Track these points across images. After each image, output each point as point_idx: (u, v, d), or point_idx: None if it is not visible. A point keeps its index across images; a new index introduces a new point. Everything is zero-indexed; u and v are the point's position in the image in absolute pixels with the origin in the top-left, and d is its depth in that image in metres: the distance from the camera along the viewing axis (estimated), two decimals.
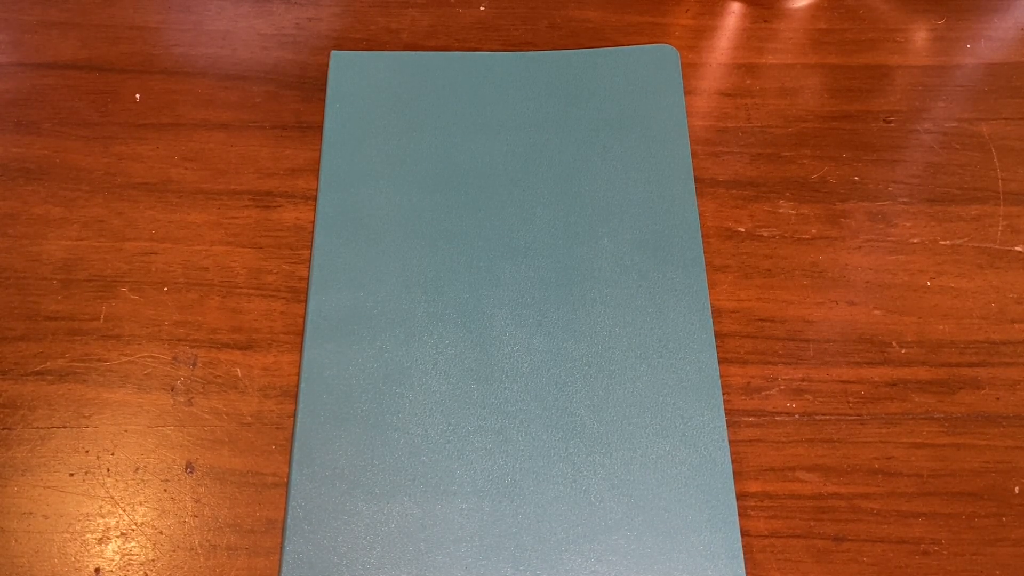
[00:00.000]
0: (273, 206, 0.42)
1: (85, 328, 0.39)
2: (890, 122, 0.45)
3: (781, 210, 0.42)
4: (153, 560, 0.34)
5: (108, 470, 0.36)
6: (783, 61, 0.46)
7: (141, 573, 0.34)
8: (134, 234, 0.41)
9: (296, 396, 0.37)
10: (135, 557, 0.34)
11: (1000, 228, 0.42)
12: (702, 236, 0.41)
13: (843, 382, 0.38)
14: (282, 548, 0.34)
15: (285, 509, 0.35)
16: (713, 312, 0.39)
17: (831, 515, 0.35)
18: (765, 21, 0.48)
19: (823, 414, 0.37)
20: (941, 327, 0.39)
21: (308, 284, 0.40)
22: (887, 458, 0.37)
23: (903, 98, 0.45)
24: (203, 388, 0.38)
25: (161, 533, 0.35)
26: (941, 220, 0.42)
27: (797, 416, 0.37)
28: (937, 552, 0.35)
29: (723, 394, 0.37)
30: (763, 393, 0.38)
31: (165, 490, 0.36)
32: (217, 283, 0.40)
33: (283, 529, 0.35)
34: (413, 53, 0.46)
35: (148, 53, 0.46)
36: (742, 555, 0.34)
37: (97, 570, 0.34)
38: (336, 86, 0.45)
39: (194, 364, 0.38)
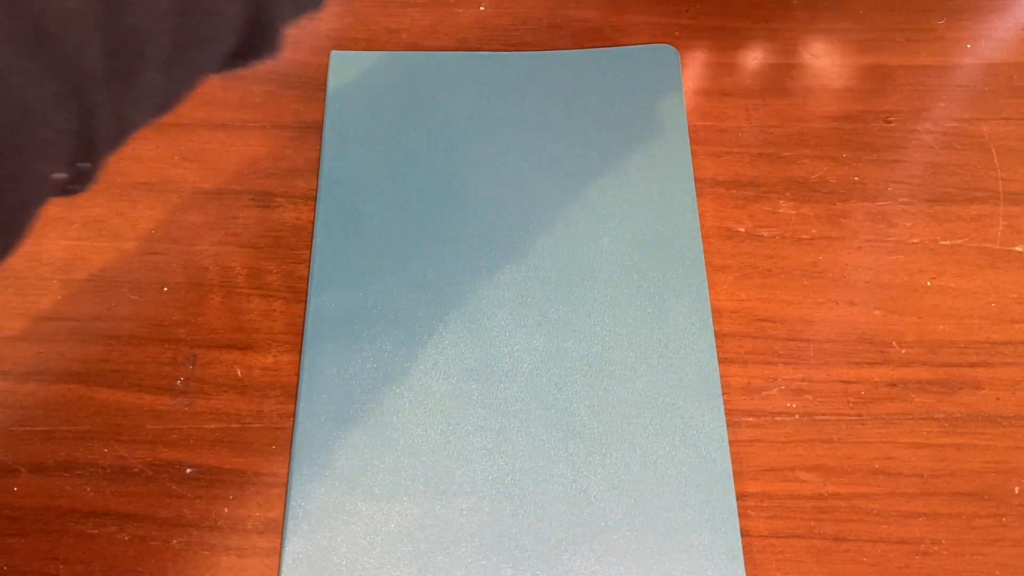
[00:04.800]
0: (273, 206, 0.42)
1: (85, 328, 0.39)
2: (890, 122, 0.45)
3: (781, 210, 0.42)
4: (152, 560, 0.34)
5: (108, 470, 0.36)
6: (783, 61, 0.46)
7: (141, 573, 0.34)
8: (134, 234, 0.41)
9: (296, 396, 0.37)
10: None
11: (1000, 228, 0.42)
12: (702, 236, 0.41)
13: (843, 382, 0.38)
14: (282, 548, 0.34)
15: (285, 509, 0.35)
16: (713, 312, 0.39)
17: (831, 515, 0.35)
18: (765, 21, 0.48)
19: (823, 414, 0.37)
20: (941, 327, 0.39)
21: (308, 284, 0.40)
22: (887, 458, 0.37)
23: (903, 98, 0.45)
24: (203, 388, 0.38)
25: (160, 533, 0.35)
26: (941, 220, 0.42)
27: (797, 416, 0.37)
28: (937, 552, 0.35)
29: (723, 394, 0.37)
30: (763, 393, 0.38)
31: (165, 490, 0.36)
32: (217, 283, 0.40)
33: (283, 529, 0.35)
34: (413, 53, 0.46)
35: None
36: (742, 555, 0.34)
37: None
38: (336, 86, 0.45)
39: (194, 364, 0.38)
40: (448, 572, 0.34)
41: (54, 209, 0.42)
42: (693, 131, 0.44)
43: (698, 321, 0.39)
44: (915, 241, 0.41)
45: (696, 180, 0.43)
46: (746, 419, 0.37)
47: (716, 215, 0.42)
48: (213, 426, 0.37)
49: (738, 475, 0.36)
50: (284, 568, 0.34)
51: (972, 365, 0.38)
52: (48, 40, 0.19)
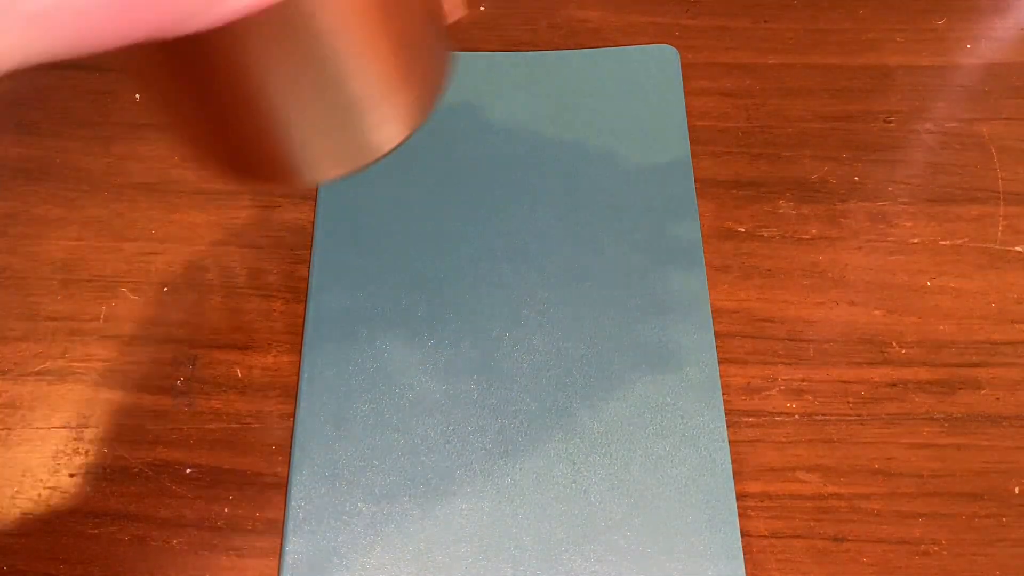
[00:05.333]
0: (273, 206, 0.42)
1: (85, 328, 0.39)
2: (890, 122, 0.45)
3: (781, 210, 0.42)
4: (152, 560, 0.34)
5: (107, 471, 0.36)
6: (783, 61, 0.46)
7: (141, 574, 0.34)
8: (134, 234, 0.41)
9: (296, 396, 0.37)
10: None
11: (1000, 228, 0.42)
12: (702, 236, 0.41)
13: (843, 382, 0.38)
14: (282, 549, 0.34)
15: (285, 510, 0.35)
16: (713, 312, 0.39)
17: (831, 515, 0.35)
18: (765, 21, 0.48)
19: (823, 414, 0.37)
20: (941, 327, 0.39)
21: (308, 284, 0.40)
22: (887, 458, 0.37)
23: (903, 98, 0.45)
24: (203, 388, 0.38)
25: (160, 533, 0.35)
26: (941, 220, 0.42)
27: (797, 416, 0.37)
28: (937, 552, 0.35)
29: (723, 394, 0.37)
30: (763, 393, 0.38)
31: (165, 490, 0.36)
32: (217, 283, 0.40)
33: (283, 530, 0.35)
34: None
35: None
36: (742, 555, 0.34)
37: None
38: None
39: (194, 364, 0.38)
40: (448, 572, 0.34)
41: (54, 209, 0.42)
42: (693, 131, 0.44)
43: (698, 321, 0.39)
44: (915, 241, 0.41)
45: (696, 180, 0.43)
46: (746, 419, 0.37)
47: (716, 215, 0.42)
48: (213, 426, 0.37)
49: (738, 475, 0.36)
50: (284, 568, 0.34)
51: (972, 365, 0.38)
52: None
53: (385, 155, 0.23)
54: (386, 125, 0.23)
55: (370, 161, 0.23)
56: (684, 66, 0.46)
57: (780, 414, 0.37)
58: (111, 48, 0.17)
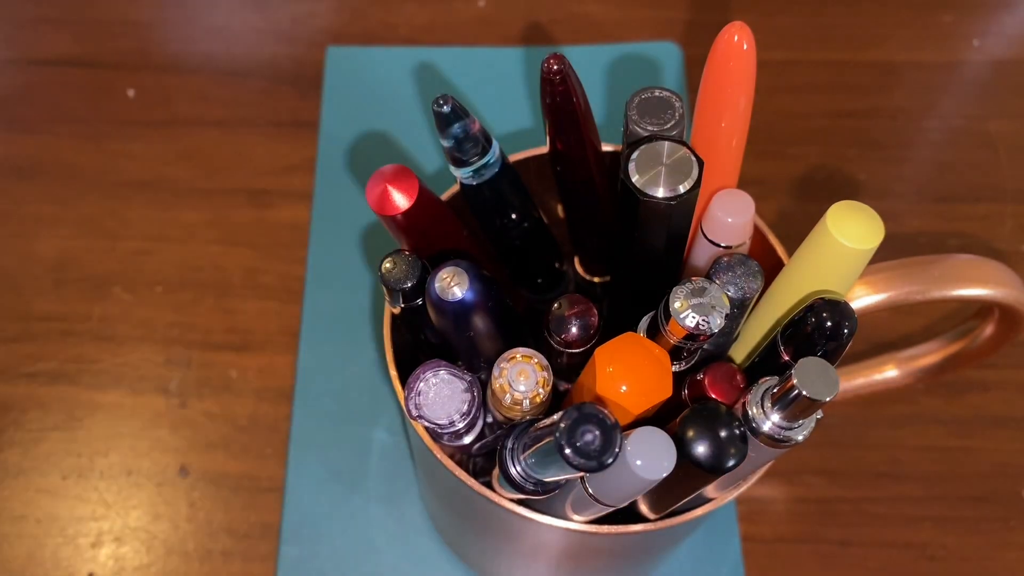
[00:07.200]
0: (269, 205, 0.41)
1: (78, 329, 0.38)
2: (896, 119, 0.44)
3: (787, 209, 0.41)
4: (147, 565, 0.34)
5: (101, 473, 0.35)
6: (788, 57, 0.46)
7: None
8: (127, 233, 0.40)
9: (292, 398, 0.37)
10: (128, 562, 0.34)
11: (1007, 227, 0.41)
12: None
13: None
14: (278, 553, 0.34)
15: (281, 513, 0.34)
16: None
17: (837, 519, 0.35)
18: (769, 16, 0.47)
19: (829, 416, 0.37)
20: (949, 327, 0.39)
21: (304, 284, 0.39)
22: (894, 461, 0.36)
23: (910, 95, 0.45)
24: (197, 390, 0.37)
25: (155, 537, 0.34)
26: (948, 219, 0.41)
27: None
28: (944, 556, 0.34)
29: None
30: None
31: (159, 494, 0.35)
32: (212, 283, 0.39)
33: (279, 533, 0.34)
34: (411, 48, 0.45)
35: (142, 49, 0.46)
36: (742, 557, 0.34)
37: (90, 574, 0.34)
38: (333, 82, 0.44)
39: (188, 365, 0.37)
40: (448, 574, 0.34)
41: (46, 208, 0.41)
42: None
43: None
44: (922, 240, 0.41)
45: None
46: None
47: None
48: (208, 428, 0.36)
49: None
50: (280, 573, 0.33)
51: (979, 367, 0.38)
52: None
53: None
54: None
55: None
56: (687, 62, 0.45)
57: None
58: None
